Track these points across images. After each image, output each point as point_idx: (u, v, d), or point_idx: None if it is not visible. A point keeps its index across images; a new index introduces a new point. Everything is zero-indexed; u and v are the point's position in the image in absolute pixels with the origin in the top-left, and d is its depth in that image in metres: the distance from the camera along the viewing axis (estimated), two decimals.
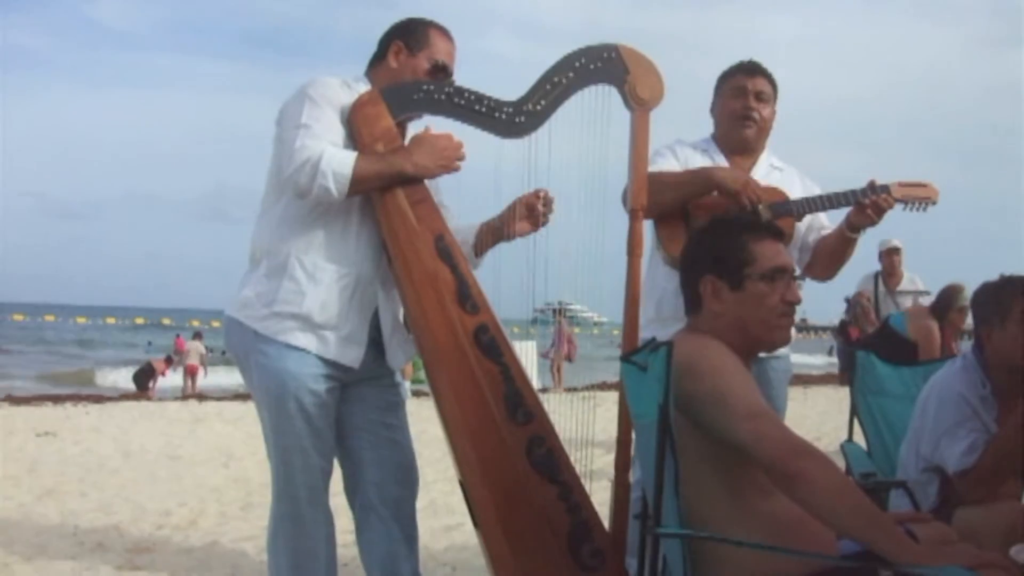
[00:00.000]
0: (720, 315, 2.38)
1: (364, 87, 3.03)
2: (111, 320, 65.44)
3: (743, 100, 3.53)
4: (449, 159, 2.96)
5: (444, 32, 3.11)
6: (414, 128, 3.10)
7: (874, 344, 6.86)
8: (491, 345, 2.91)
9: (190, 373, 20.17)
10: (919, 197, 3.42)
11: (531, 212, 3.10)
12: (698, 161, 3.54)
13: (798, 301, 2.42)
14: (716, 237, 2.46)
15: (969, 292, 6.37)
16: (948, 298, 6.98)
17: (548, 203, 3.09)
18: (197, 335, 22.23)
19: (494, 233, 3.15)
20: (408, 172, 2.92)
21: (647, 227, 3.32)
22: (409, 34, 3.08)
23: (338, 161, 2.80)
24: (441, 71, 3.06)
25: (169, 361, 21.20)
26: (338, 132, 2.91)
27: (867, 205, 3.32)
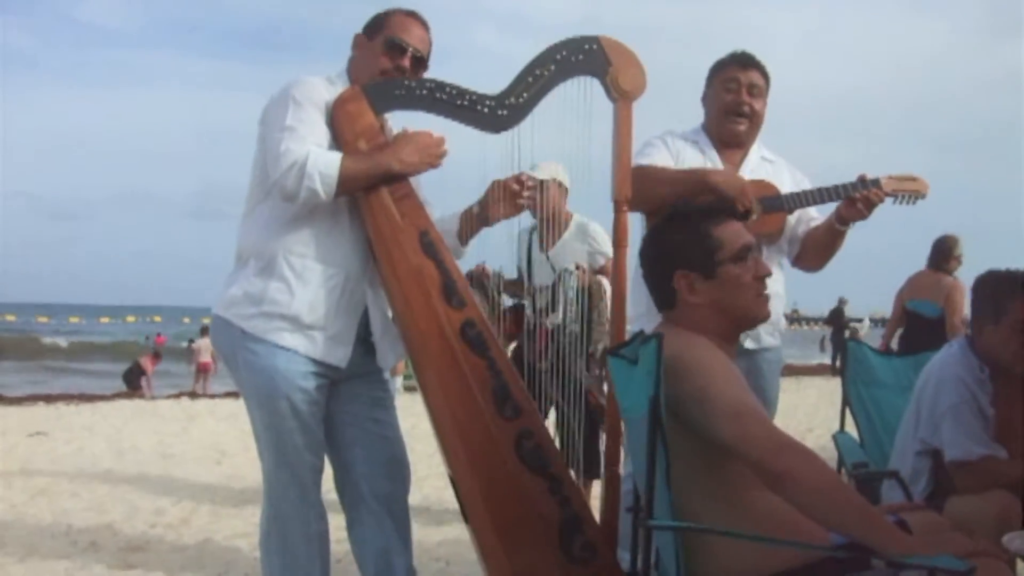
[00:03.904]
0: (698, 306, 2.37)
1: (344, 84, 3.01)
2: (105, 320, 65.15)
3: (736, 94, 3.50)
4: (433, 155, 2.95)
5: (408, 16, 3.05)
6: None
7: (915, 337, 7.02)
8: (478, 340, 2.90)
9: (202, 371, 19.85)
10: (909, 191, 3.41)
11: (510, 196, 3.06)
12: (689, 153, 3.52)
13: (769, 273, 2.44)
14: (678, 230, 2.44)
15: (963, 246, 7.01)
16: (947, 248, 7.15)
17: (526, 186, 3.05)
18: (205, 331, 21.76)
19: (476, 219, 3.13)
20: (395, 170, 2.91)
21: (636, 220, 3.29)
22: (369, 24, 3.06)
23: (324, 163, 2.79)
24: (397, 49, 2.99)
25: (156, 357, 20.94)
26: (323, 133, 2.89)
27: (857, 199, 3.30)
